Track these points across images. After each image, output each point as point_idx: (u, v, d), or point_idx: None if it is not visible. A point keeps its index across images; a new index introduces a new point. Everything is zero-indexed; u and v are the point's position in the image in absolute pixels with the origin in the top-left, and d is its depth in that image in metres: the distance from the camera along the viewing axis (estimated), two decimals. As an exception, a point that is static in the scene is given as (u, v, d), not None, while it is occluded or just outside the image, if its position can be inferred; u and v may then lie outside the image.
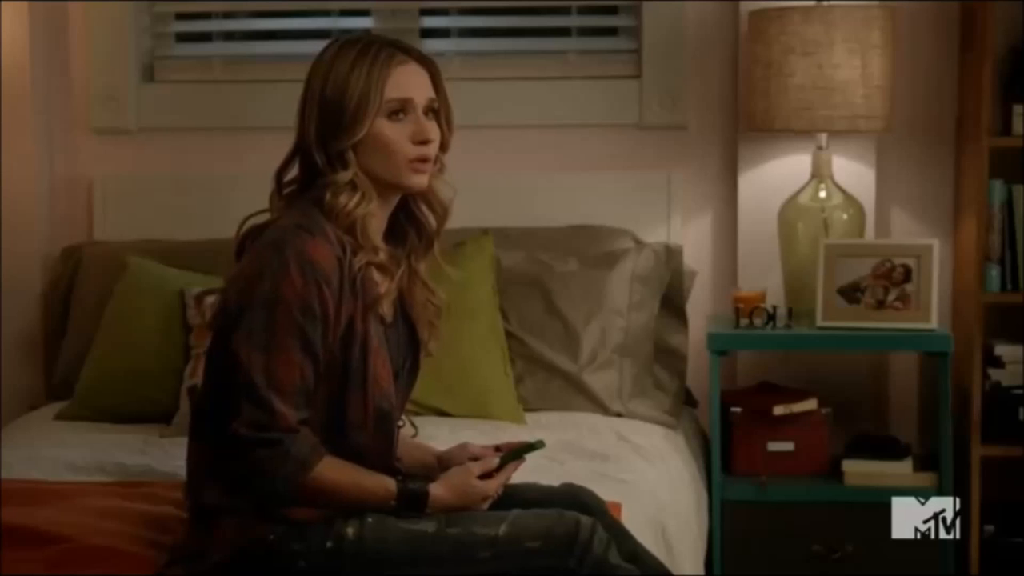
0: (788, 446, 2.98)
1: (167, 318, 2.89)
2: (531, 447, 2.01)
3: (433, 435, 2.71)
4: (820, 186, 3.05)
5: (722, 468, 2.95)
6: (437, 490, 1.92)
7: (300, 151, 1.97)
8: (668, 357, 3.11)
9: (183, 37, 3.48)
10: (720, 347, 2.97)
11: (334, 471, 1.87)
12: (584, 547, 1.88)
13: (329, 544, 1.86)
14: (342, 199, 1.91)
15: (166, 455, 2.53)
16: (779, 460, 2.98)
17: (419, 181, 1.96)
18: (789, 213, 3.07)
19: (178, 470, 2.40)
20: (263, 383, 1.82)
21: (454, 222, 3.12)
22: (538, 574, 1.88)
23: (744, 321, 2.97)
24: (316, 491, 1.86)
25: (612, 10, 3.39)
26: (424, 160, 1.95)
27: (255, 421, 1.82)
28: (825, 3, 3.01)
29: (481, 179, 3.26)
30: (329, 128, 1.93)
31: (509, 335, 2.97)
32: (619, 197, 3.25)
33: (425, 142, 1.94)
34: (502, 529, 1.89)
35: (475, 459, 2.01)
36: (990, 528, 3.01)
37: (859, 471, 2.95)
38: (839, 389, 3.12)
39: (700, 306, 3.24)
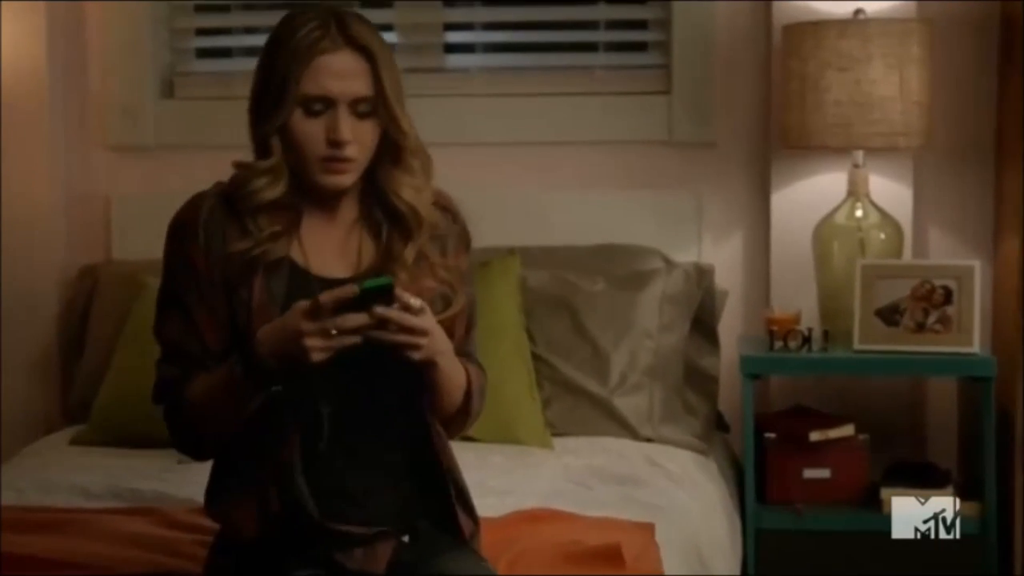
0: (824, 473, 2.91)
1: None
2: (377, 284, 1.69)
3: (458, 459, 2.65)
4: (856, 205, 2.98)
5: (756, 496, 2.88)
6: (263, 330, 1.73)
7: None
8: (699, 380, 3.04)
9: (203, 53, 3.44)
10: (754, 371, 2.90)
11: (198, 388, 1.79)
12: None
13: None
14: (254, 183, 1.79)
15: (183, 481, 2.46)
16: (815, 488, 2.90)
17: (333, 181, 1.80)
18: (824, 232, 2.99)
19: (195, 496, 2.33)
20: (158, 360, 1.86)
21: (478, 241, 3.09)
22: None
23: (778, 344, 2.90)
24: (197, 410, 1.78)
25: (641, 25, 3.33)
26: (339, 160, 1.79)
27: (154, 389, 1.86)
28: (861, 17, 2.95)
29: (507, 197, 3.19)
30: (256, 110, 1.82)
31: (536, 357, 2.90)
32: (648, 216, 3.18)
33: (338, 143, 1.78)
34: None
35: None
36: (1034, 559, 2.92)
37: (899, 499, 2.86)
38: (875, 413, 3.04)
39: (730, 327, 3.17)
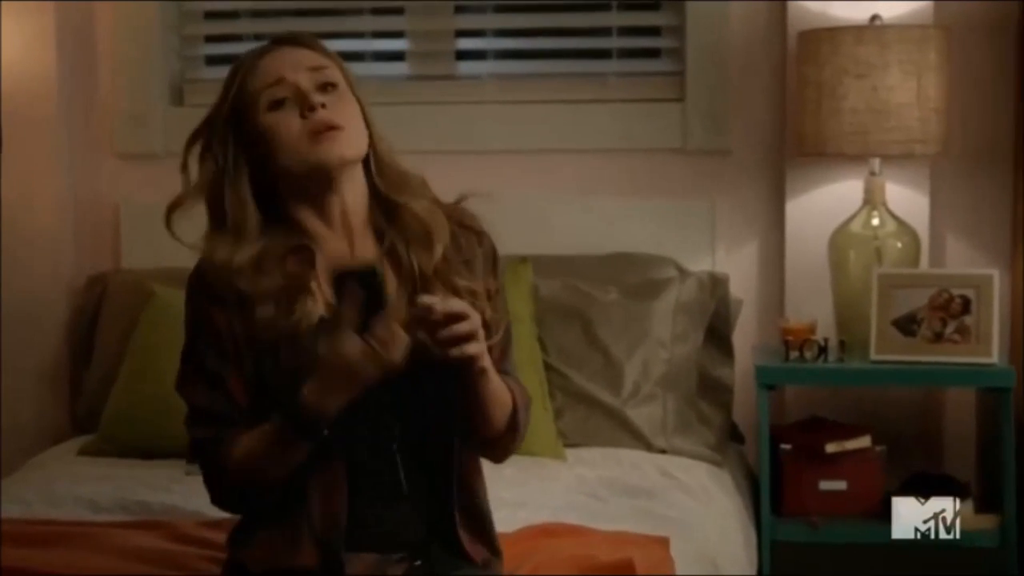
0: (841, 485, 2.86)
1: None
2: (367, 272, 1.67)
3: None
4: (872, 213, 2.94)
5: (772, 508, 2.83)
6: (305, 387, 1.65)
7: None
8: (713, 390, 3.00)
9: (212, 60, 3.41)
10: (769, 381, 2.86)
11: (240, 451, 1.71)
12: None
13: None
14: (215, 251, 1.72)
15: (191, 492, 2.42)
16: (831, 500, 2.85)
17: (327, 151, 1.70)
18: (840, 241, 2.95)
19: (203, 508, 2.31)
20: (187, 418, 1.78)
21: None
22: None
23: (794, 354, 2.86)
24: (243, 474, 1.70)
25: (654, 31, 3.30)
26: (323, 129, 1.70)
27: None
28: (878, 23, 2.91)
29: (518, 205, 3.16)
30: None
31: (548, 367, 2.87)
32: (661, 224, 3.14)
33: (311, 108, 1.70)
34: None
35: None
36: (1054, 572, 2.88)
37: (917, 512, 2.82)
38: (891, 424, 3.00)
39: (745, 337, 3.13)
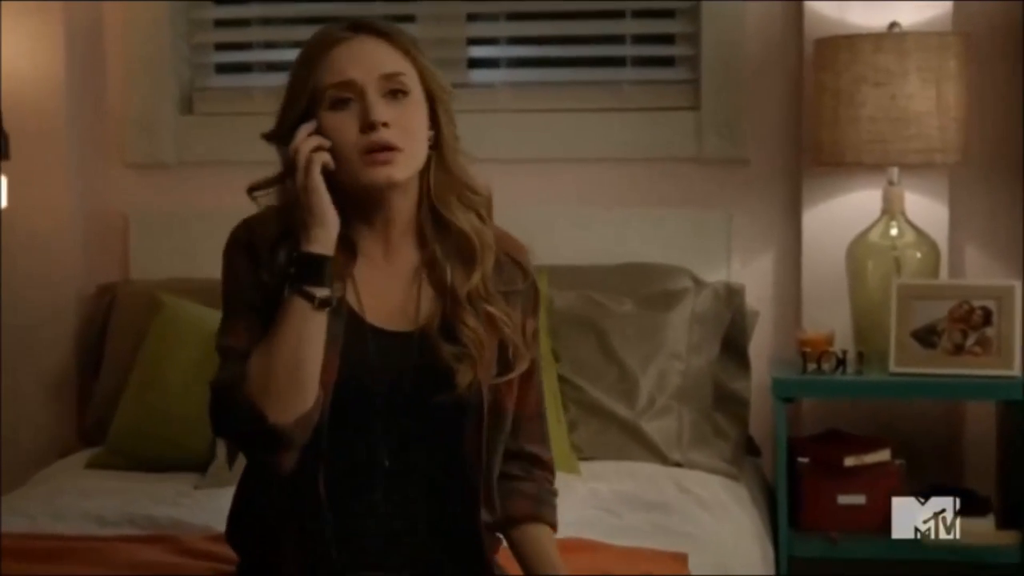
0: (859, 499, 2.82)
1: (204, 361, 2.75)
2: None
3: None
4: (891, 223, 2.90)
5: (789, 522, 2.79)
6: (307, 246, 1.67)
7: None
8: (729, 403, 2.96)
9: (222, 68, 3.39)
10: (787, 394, 2.82)
11: (257, 351, 1.64)
12: None
13: None
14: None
15: (199, 507, 2.41)
16: (850, 514, 2.81)
17: (378, 174, 1.63)
18: (858, 251, 2.92)
19: (211, 523, 2.28)
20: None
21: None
22: None
23: (811, 366, 2.82)
24: (256, 370, 1.61)
25: (669, 39, 3.26)
26: (379, 148, 1.63)
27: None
28: (896, 31, 2.87)
29: (532, 214, 3.11)
30: (278, 135, 1.73)
31: (562, 379, 2.84)
32: (676, 234, 3.11)
33: (372, 126, 1.62)
34: None
35: None
36: (1076, 589, 2.83)
37: (937, 527, 2.78)
38: (910, 437, 2.96)
39: (761, 348, 3.09)
